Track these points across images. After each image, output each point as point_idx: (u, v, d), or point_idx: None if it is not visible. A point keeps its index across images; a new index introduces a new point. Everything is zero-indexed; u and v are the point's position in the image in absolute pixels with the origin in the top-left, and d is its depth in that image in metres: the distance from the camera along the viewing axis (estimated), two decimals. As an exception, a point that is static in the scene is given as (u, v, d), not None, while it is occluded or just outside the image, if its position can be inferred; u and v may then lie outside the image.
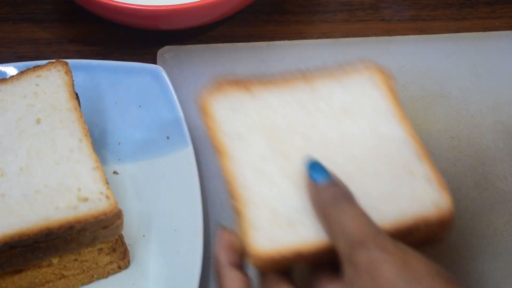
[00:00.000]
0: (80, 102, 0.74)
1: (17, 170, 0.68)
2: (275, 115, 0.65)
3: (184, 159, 0.76)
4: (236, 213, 0.61)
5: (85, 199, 0.66)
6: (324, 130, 0.64)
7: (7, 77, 0.74)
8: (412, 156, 0.62)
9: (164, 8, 0.80)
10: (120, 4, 0.80)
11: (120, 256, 0.71)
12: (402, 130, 0.64)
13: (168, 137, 0.78)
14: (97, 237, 0.67)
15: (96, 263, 0.70)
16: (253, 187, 0.61)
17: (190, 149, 0.76)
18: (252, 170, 0.62)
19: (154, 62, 0.85)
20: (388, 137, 0.64)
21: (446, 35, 0.88)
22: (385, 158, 0.62)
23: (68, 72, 0.74)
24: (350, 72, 0.68)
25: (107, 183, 0.68)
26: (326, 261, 0.59)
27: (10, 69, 0.80)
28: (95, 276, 0.71)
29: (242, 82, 0.67)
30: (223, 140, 0.64)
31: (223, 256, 0.60)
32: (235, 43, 0.87)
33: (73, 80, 0.74)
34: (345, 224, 0.55)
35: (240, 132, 0.64)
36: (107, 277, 0.72)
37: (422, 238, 0.60)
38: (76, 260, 0.69)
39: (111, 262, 0.71)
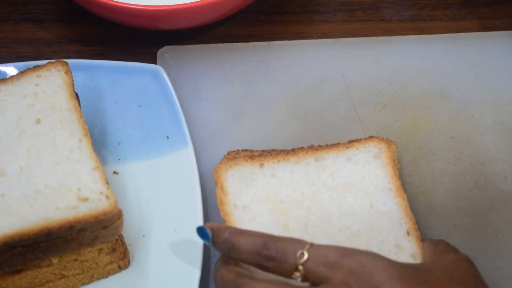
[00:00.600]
0: (80, 102, 0.74)
1: (17, 170, 0.68)
2: (282, 188, 0.70)
3: (184, 159, 0.76)
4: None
5: (85, 199, 0.66)
6: (326, 204, 0.69)
7: (7, 77, 0.74)
8: (403, 233, 0.67)
9: (164, 8, 0.80)
10: (120, 4, 0.80)
11: (120, 256, 0.71)
12: (398, 207, 0.68)
13: (168, 137, 0.78)
14: (97, 237, 0.67)
15: (96, 263, 0.70)
16: None
17: (190, 149, 0.76)
18: None
19: (154, 62, 0.85)
20: (384, 212, 0.68)
21: (446, 35, 0.88)
22: (378, 232, 0.67)
23: (68, 72, 0.74)
24: (356, 145, 0.72)
25: (107, 183, 0.68)
26: None
27: (10, 69, 0.80)
28: (95, 276, 0.71)
29: (256, 156, 0.71)
30: (230, 209, 0.69)
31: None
32: (235, 43, 0.87)
33: (73, 80, 0.74)
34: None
35: (246, 203, 0.69)
36: (107, 277, 0.72)
37: None
38: (76, 260, 0.69)
39: (111, 262, 0.71)
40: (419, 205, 0.76)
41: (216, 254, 0.73)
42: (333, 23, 0.90)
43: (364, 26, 0.90)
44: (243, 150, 0.75)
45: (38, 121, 0.71)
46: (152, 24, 0.84)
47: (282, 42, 0.87)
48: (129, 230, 0.73)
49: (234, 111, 0.82)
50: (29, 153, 0.69)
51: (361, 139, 0.72)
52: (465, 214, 0.76)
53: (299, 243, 0.61)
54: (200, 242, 0.71)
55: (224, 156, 0.73)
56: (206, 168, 0.78)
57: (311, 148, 0.72)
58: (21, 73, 0.75)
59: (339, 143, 0.72)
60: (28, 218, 0.65)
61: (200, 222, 0.72)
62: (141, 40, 0.88)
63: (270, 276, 0.63)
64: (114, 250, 0.70)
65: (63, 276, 0.70)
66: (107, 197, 0.67)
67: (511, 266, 0.73)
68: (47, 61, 0.75)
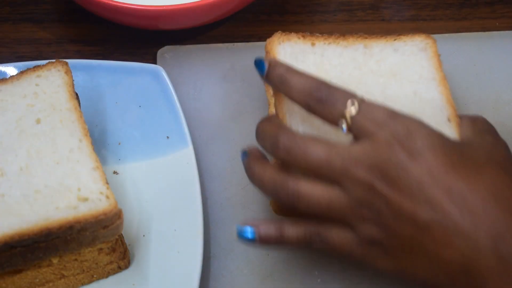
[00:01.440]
0: (80, 102, 0.74)
1: (17, 170, 0.68)
2: (330, 69, 0.71)
3: (184, 159, 0.76)
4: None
5: (85, 199, 0.66)
6: (371, 88, 0.69)
7: (7, 77, 0.74)
8: (444, 119, 0.67)
9: (164, 8, 0.80)
10: (120, 4, 0.80)
11: (120, 256, 0.71)
12: (440, 95, 0.69)
13: (168, 137, 0.78)
14: (97, 237, 0.67)
15: (96, 263, 0.70)
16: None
17: (190, 149, 0.76)
18: (298, 114, 0.66)
19: (154, 62, 0.85)
20: (427, 99, 0.69)
21: (446, 35, 0.88)
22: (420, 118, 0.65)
23: (68, 72, 0.74)
24: (403, 38, 0.73)
25: (107, 183, 0.68)
26: None
27: (10, 69, 0.80)
28: (95, 276, 0.71)
29: (308, 35, 0.72)
30: None
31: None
32: (235, 43, 0.87)
33: (73, 80, 0.74)
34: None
35: None
36: (107, 277, 0.72)
37: None
38: (76, 260, 0.69)
39: (111, 262, 0.71)
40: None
41: (216, 254, 0.73)
42: (333, 23, 0.90)
43: (364, 26, 0.90)
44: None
45: (38, 121, 0.71)
46: (152, 24, 0.84)
47: (282, 42, 0.87)
48: (129, 230, 0.73)
49: (234, 111, 0.82)
50: (29, 153, 0.69)
51: (409, 34, 0.73)
52: (465, 214, 0.76)
53: (352, 95, 0.62)
54: (200, 242, 0.71)
55: (275, 32, 0.73)
56: (206, 168, 0.78)
57: (361, 36, 0.73)
58: (21, 73, 0.75)
59: (387, 35, 0.73)
60: (28, 218, 0.65)
61: (200, 222, 0.72)
62: (141, 40, 0.88)
63: (315, 128, 0.65)
64: (114, 250, 0.70)
65: (63, 276, 0.70)
66: (107, 197, 0.67)
67: (511, 266, 0.73)
68: (47, 61, 0.75)
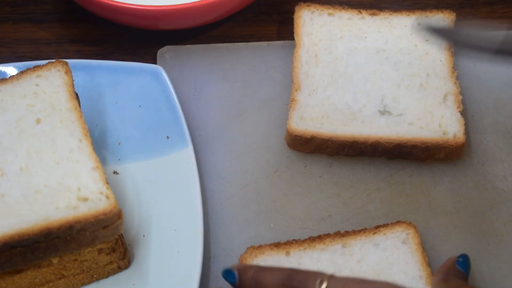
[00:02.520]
0: (80, 102, 0.74)
1: (17, 170, 0.68)
2: None
3: (184, 159, 0.76)
4: None
5: (85, 199, 0.66)
6: None
7: (7, 77, 0.74)
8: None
9: (164, 8, 0.80)
10: (120, 4, 0.80)
11: (120, 256, 0.71)
12: None
13: (168, 137, 0.78)
14: (97, 237, 0.67)
15: (96, 263, 0.70)
16: None
17: (190, 149, 0.76)
18: None
19: (154, 62, 0.85)
20: None
21: (446, 35, 0.88)
22: None
23: (68, 72, 0.74)
24: (383, 230, 0.72)
25: (107, 183, 0.68)
26: (345, 153, 0.77)
27: (10, 69, 0.80)
28: (95, 276, 0.71)
29: (280, 244, 0.71)
30: None
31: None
32: (235, 43, 0.87)
33: (73, 80, 0.74)
34: None
35: None
36: (107, 277, 0.72)
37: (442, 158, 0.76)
38: (76, 260, 0.69)
39: (111, 262, 0.71)
40: (419, 205, 0.76)
41: (216, 254, 0.73)
42: (333, 23, 0.90)
43: (364, 26, 0.90)
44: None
45: (38, 121, 0.71)
46: (152, 24, 0.84)
47: (282, 42, 0.87)
48: (129, 230, 0.73)
49: (234, 111, 0.82)
50: (29, 153, 0.69)
51: (388, 224, 0.72)
52: (465, 214, 0.76)
53: (320, 274, 0.63)
54: (200, 242, 0.71)
55: (247, 248, 0.72)
56: (206, 168, 0.78)
57: (338, 234, 0.72)
58: (21, 73, 0.75)
59: (366, 229, 0.72)
60: (28, 218, 0.65)
61: (200, 222, 0.72)
62: (141, 40, 0.88)
63: None
64: (114, 250, 0.70)
65: (63, 276, 0.70)
66: (107, 197, 0.67)
67: (511, 266, 0.73)
68: (47, 61, 0.75)
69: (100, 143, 0.78)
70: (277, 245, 0.71)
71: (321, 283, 0.62)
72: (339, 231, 0.72)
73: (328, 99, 0.79)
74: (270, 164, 0.79)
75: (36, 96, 0.73)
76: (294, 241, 0.71)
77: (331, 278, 0.62)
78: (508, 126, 0.81)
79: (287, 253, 0.71)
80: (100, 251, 0.69)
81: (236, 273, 0.66)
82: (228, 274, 0.66)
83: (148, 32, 0.87)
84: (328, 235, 0.72)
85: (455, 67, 0.82)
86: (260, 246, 0.71)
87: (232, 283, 0.66)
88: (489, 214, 0.76)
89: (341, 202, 0.76)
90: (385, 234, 0.71)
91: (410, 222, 0.72)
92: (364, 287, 0.61)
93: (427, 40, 0.82)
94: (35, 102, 0.72)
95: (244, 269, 0.66)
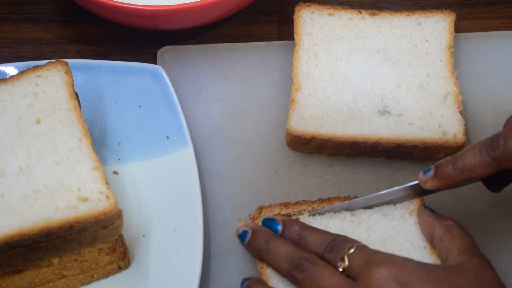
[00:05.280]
0: (80, 102, 0.74)
1: (17, 170, 0.68)
2: None
3: (184, 159, 0.76)
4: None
5: (85, 199, 0.66)
6: None
7: (7, 77, 0.74)
8: None
9: (164, 8, 0.80)
10: (120, 4, 0.80)
11: (120, 256, 0.71)
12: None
13: (168, 137, 0.78)
14: (97, 237, 0.67)
15: (96, 263, 0.70)
16: None
17: (190, 149, 0.76)
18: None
19: (154, 62, 0.85)
20: None
21: (446, 35, 0.88)
22: None
23: (68, 72, 0.74)
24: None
25: (107, 183, 0.68)
26: (345, 153, 0.77)
27: (10, 69, 0.80)
28: (95, 276, 0.71)
29: (291, 204, 0.73)
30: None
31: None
32: (235, 43, 0.87)
33: (73, 80, 0.74)
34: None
35: None
36: (107, 277, 0.72)
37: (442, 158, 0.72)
38: (76, 260, 0.69)
39: (111, 262, 0.71)
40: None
41: (216, 254, 0.73)
42: (333, 23, 0.90)
43: (364, 26, 0.90)
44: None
45: (38, 121, 0.71)
46: (152, 24, 0.84)
47: (282, 42, 0.87)
48: (129, 230, 0.73)
49: (234, 111, 0.82)
50: (29, 153, 0.69)
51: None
52: (465, 214, 0.76)
53: (355, 241, 0.67)
54: (200, 242, 0.71)
55: (257, 208, 0.74)
56: (206, 168, 0.78)
57: (347, 198, 0.73)
58: (21, 73, 0.75)
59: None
60: (28, 218, 0.65)
61: (200, 222, 0.72)
62: (141, 40, 0.88)
63: None
64: (114, 250, 0.70)
65: (63, 276, 0.70)
66: (107, 197, 0.67)
67: (511, 266, 0.73)
68: (47, 61, 0.75)
69: (100, 143, 0.78)
70: (286, 205, 0.73)
71: (350, 248, 0.65)
72: (349, 195, 0.73)
73: (328, 99, 0.79)
74: (270, 164, 0.79)
75: (36, 96, 0.73)
76: (303, 201, 0.73)
77: (360, 246, 0.65)
78: (508, 126, 0.81)
79: (297, 219, 0.72)
80: (100, 251, 0.69)
81: (280, 224, 0.70)
82: (271, 222, 0.70)
83: (148, 32, 0.87)
84: (337, 198, 0.73)
85: (455, 67, 0.82)
86: (270, 206, 0.73)
87: (274, 231, 0.70)
88: (489, 214, 0.76)
89: (341, 202, 0.76)
90: (394, 204, 0.71)
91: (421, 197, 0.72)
92: (387, 266, 0.62)
93: (427, 40, 0.82)
94: (35, 102, 0.72)
95: (290, 222, 0.70)
